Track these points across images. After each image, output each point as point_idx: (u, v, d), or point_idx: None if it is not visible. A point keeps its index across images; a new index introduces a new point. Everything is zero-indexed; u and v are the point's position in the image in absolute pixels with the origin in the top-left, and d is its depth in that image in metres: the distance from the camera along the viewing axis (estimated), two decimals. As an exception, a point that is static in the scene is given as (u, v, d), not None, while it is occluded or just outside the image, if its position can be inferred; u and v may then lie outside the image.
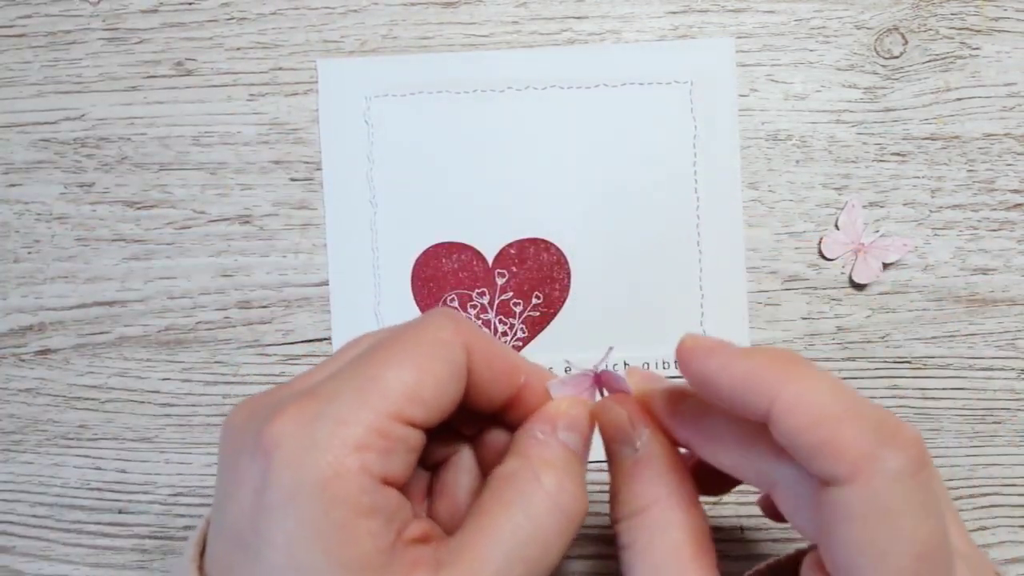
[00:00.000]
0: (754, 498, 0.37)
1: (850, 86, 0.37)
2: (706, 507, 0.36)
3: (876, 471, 0.19)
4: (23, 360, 0.37)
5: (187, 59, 0.37)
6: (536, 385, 0.25)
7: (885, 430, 0.20)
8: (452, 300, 0.37)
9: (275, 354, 0.37)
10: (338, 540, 0.20)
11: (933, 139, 0.37)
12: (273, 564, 0.20)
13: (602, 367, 0.26)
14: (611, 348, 0.27)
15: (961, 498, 0.37)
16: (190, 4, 0.37)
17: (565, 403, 0.25)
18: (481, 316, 0.37)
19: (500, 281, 0.37)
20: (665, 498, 0.23)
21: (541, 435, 0.24)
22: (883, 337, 0.37)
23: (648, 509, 0.23)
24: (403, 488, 0.22)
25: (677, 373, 0.36)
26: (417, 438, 0.22)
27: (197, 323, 0.37)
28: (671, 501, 0.23)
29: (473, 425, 0.26)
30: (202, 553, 0.22)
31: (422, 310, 0.37)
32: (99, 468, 0.37)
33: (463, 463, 0.26)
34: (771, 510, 0.25)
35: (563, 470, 0.23)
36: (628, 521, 0.23)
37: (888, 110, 0.37)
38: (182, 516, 0.37)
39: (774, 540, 0.37)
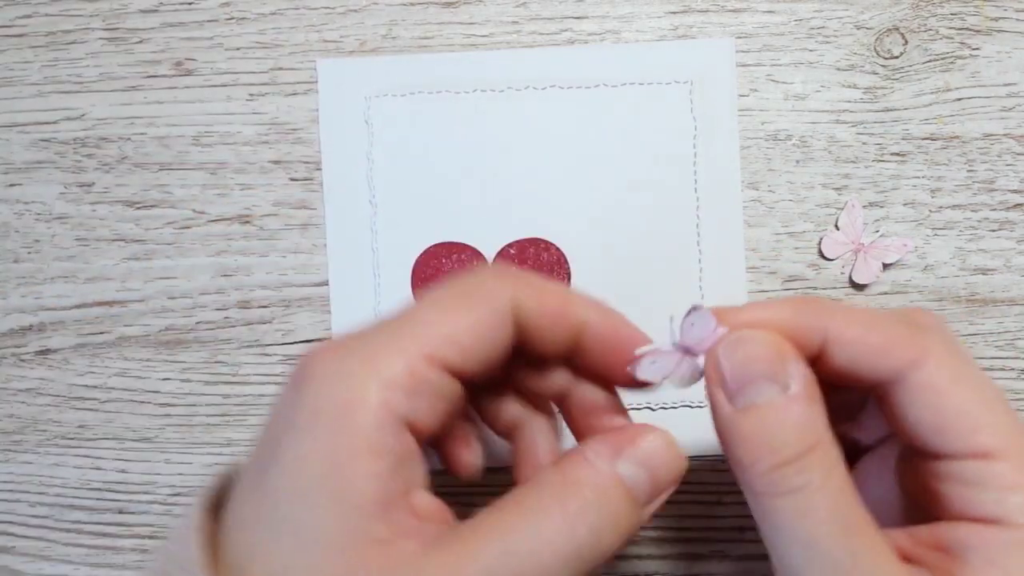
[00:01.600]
0: (754, 498, 0.37)
1: (850, 86, 0.37)
2: (706, 507, 0.37)
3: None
4: (23, 360, 0.37)
5: (187, 59, 0.37)
6: (605, 333, 0.23)
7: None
8: (452, 300, 0.37)
9: (275, 354, 0.37)
10: (338, 473, 0.19)
11: (933, 139, 0.37)
12: (275, 486, 0.20)
13: (680, 329, 0.23)
14: (693, 308, 0.23)
15: (961, 498, 0.37)
16: (190, 4, 0.37)
17: (645, 431, 0.23)
18: (481, 316, 0.37)
19: (500, 281, 0.37)
20: (827, 431, 0.22)
21: (592, 456, 0.22)
22: (883, 337, 0.37)
23: (818, 446, 0.21)
24: (436, 443, 0.22)
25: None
26: (451, 387, 0.21)
27: (197, 323, 0.37)
28: (830, 435, 0.22)
29: (553, 381, 0.25)
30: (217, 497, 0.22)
31: (422, 310, 0.37)
32: (99, 468, 0.37)
33: (539, 427, 0.25)
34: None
35: (598, 508, 0.21)
36: (797, 463, 0.21)
37: (888, 110, 0.37)
38: (182, 516, 0.37)
39: (774, 540, 0.37)
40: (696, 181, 0.37)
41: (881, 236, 0.37)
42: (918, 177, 0.37)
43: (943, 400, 0.22)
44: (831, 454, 0.21)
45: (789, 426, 0.21)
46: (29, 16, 0.37)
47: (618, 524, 0.21)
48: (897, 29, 0.37)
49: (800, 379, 0.22)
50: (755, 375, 0.22)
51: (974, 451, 0.22)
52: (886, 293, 0.37)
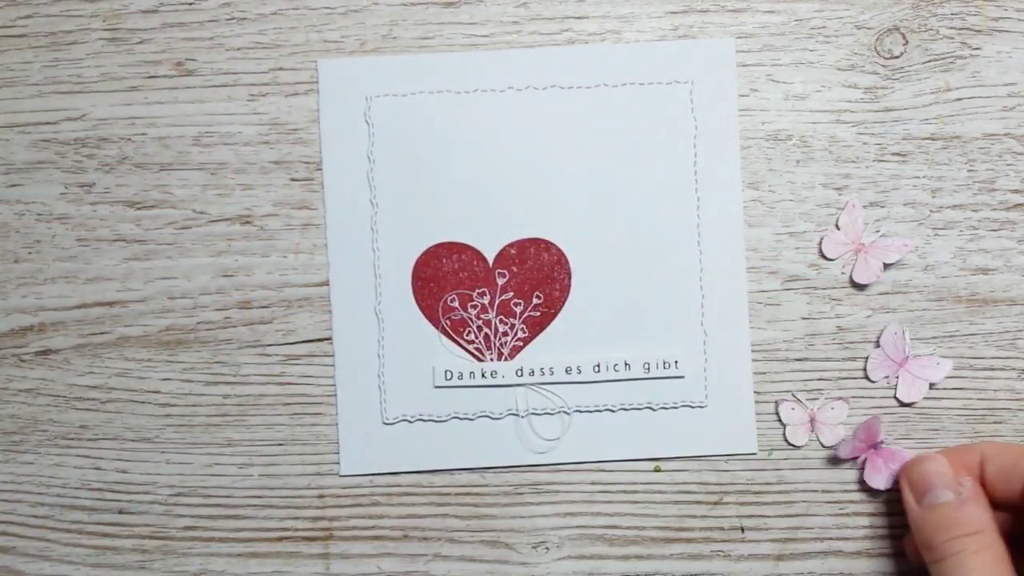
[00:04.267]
0: (753, 499, 0.37)
1: (850, 86, 0.37)
2: (707, 507, 0.37)
3: None
4: (23, 360, 0.37)
5: (187, 59, 0.37)
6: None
7: None
8: (452, 300, 0.37)
9: (275, 354, 0.37)
10: None
11: (933, 139, 0.37)
12: None
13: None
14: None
15: (961, 498, 0.37)
16: (190, 4, 0.37)
17: None
18: (481, 316, 0.37)
19: (500, 281, 0.37)
20: (990, 524, 0.31)
21: None
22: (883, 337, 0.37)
23: (981, 531, 0.31)
24: None
25: (679, 373, 0.36)
26: None
27: (197, 323, 0.37)
28: (994, 528, 0.31)
29: None
30: None
31: (422, 310, 0.37)
32: (99, 468, 0.37)
33: None
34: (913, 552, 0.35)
35: None
36: (962, 540, 0.30)
37: (888, 110, 0.37)
38: (182, 516, 0.37)
39: (774, 540, 0.37)
40: (696, 181, 0.37)
41: (882, 236, 0.36)
42: (918, 177, 0.37)
43: None
44: (988, 538, 0.31)
45: (961, 516, 0.31)
46: (29, 16, 0.37)
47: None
48: (897, 29, 0.37)
49: (969, 488, 0.32)
50: (940, 483, 0.32)
51: None
52: (886, 293, 0.37)
